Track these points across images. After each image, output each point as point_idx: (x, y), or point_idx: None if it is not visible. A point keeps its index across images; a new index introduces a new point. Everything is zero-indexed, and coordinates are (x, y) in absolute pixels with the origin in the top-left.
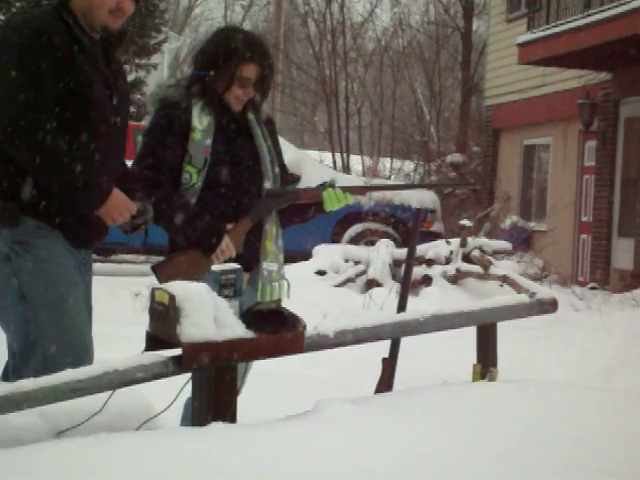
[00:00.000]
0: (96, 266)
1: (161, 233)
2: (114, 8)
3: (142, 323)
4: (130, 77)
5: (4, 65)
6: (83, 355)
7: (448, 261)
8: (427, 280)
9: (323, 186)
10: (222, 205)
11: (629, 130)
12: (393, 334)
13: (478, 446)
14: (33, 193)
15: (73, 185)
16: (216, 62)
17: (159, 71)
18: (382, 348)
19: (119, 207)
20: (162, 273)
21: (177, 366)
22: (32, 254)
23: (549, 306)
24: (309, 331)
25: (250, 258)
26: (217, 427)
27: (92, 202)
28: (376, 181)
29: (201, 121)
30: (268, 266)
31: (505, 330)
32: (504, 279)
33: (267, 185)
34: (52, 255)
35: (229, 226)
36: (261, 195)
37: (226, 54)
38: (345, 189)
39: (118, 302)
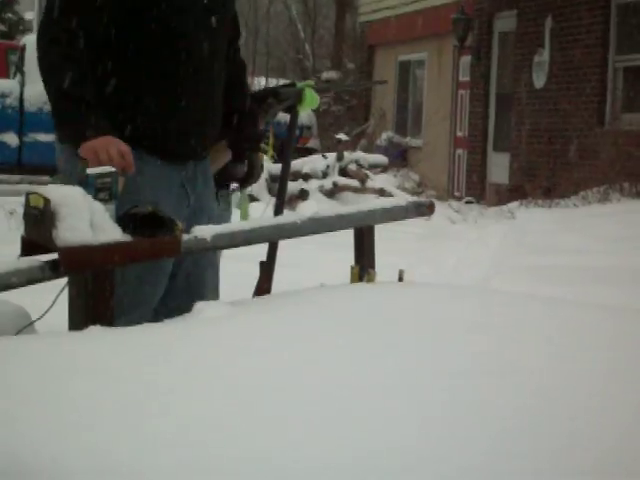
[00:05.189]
0: None
1: (36, 152)
2: None
3: (17, 241)
4: None
5: None
6: None
7: (325, 175)
8: (304, 194)
9: (294, 86)
10: None
11: (503, 45)
12: (271, 237)
13: (357, 343)
14: (115, 113)
15: (57, 100)
16: None
17: None
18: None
19: (104, 147)
20: None
21: (53, 271)
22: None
23: (426, 209)
24: (185, 235)
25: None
26: (94, 330)
27: (72, 137)
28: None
29: None
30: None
31: (381, 242)
32: (381, 192)
33: None
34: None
35: None
36: None
37: None
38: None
39: None
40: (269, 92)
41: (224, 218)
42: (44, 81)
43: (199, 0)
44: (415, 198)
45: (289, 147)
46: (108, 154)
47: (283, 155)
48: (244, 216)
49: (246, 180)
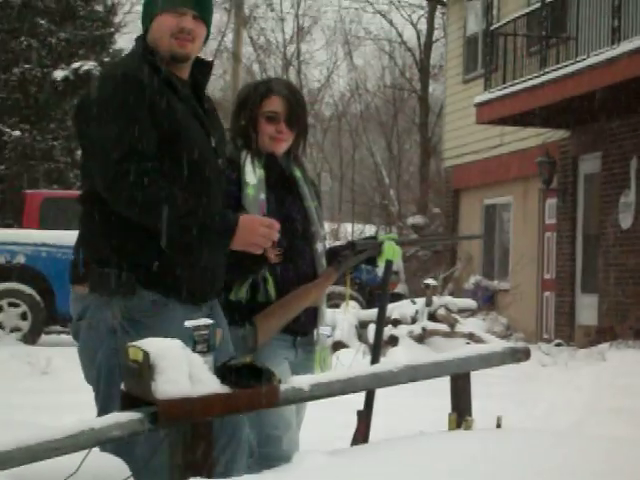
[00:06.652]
0: (53, 337)
1: None
2: (175, 30)
3: None
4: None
5: (99, 116)
6: None
7: (414, 321)
8: (393, 340)
9: (375, 238)
10: (279, 268)
11: (589, 186)
12: (367, 385)
13: None
14: (154, 263)
15: (191, 224)
16: (242, 109)
17: None
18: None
19: (254, 230)
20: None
21: (153, 423)
22: (140, 336)
23: (522, 354)
24: (284, 385)
25: (307, 321)
26: None
27: (221, 237)
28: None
29: (252, 176)
30: (324, 330)
31: (473, 386)
32: (470, 337)
33: (319, 246)
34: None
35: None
36: (314, 258)
37: (248, 96)
38: (399, 242)
39: (79, 371)
40: (347, 245)
41: (307, 367)
42: (153, 221)
43: (208, 143)
44: (509, 344)
45: (385, 296)
46: (258, 242)
47: (377, 303)
48: (324, 368)
49: None
